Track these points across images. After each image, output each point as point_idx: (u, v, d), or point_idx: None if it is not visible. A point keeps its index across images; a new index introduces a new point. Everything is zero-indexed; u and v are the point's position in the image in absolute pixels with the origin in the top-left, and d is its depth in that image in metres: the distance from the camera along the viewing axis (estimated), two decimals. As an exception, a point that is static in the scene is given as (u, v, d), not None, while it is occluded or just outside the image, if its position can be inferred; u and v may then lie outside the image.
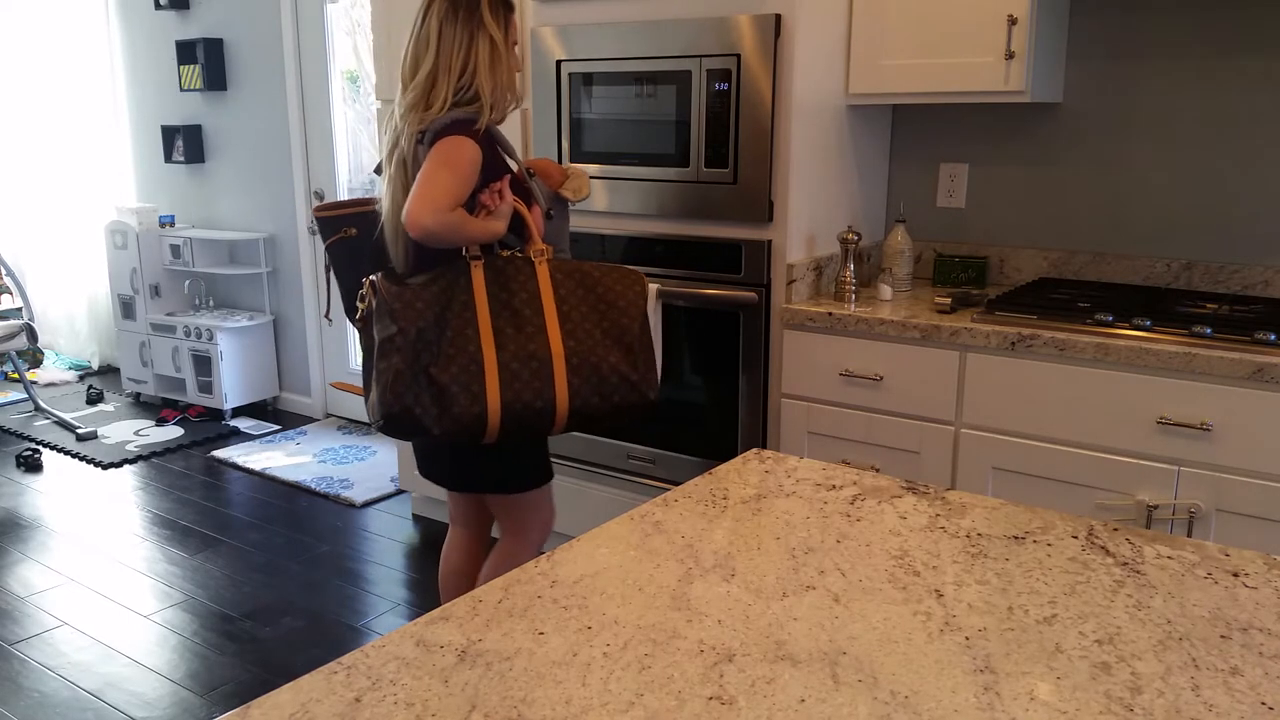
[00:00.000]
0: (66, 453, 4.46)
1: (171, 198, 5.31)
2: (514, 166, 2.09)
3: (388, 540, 3.55)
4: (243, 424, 4.84)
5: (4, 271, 5.18)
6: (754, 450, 1.54)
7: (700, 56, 2.61)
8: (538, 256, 1.98)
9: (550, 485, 2.27)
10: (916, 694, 0.90)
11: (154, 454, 4.43)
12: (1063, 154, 2.82)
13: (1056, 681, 0.92)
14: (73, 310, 5.89)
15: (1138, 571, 1.14)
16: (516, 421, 1.92)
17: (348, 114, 4.71)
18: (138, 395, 5.25)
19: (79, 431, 4.66)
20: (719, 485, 1.40)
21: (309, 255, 4.84)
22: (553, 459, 3.06)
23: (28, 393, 5.01)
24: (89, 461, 4.34)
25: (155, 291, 5.01)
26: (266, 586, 3.19)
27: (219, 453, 4.42)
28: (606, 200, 2.84)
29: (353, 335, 4.84)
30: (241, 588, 3.19)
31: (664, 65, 2.67)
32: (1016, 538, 1.23)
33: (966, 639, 0.99)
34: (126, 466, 4.30)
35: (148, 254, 4.97)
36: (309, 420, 4.92)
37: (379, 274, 1.96)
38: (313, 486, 4.01)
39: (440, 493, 3.55)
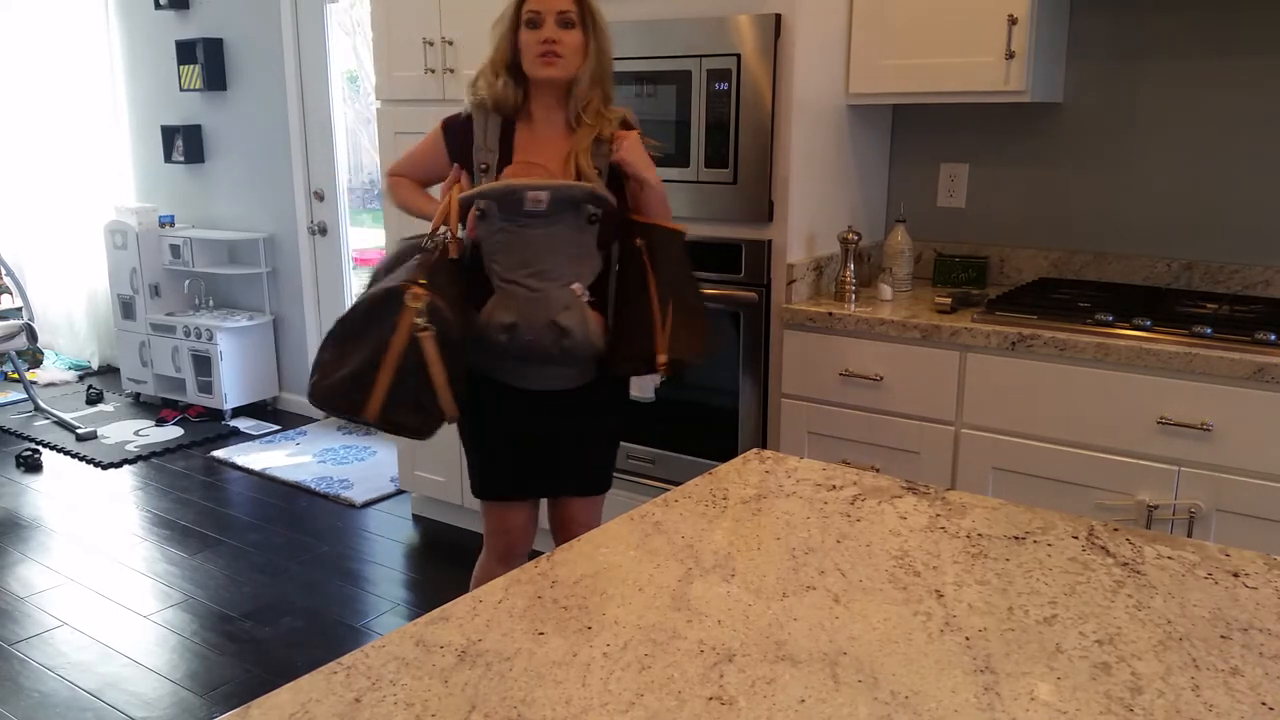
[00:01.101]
0: (66, 453, 4.46)
1: (171, 198, 5.31)
2: (487, 160, 2.06)
3: (388, 540, 3.55)
4: (243, 424, 4.84)
5: (4, 271, 5.17)
6: (754, 450, 1.54)
7: (700, 56, 2.61)
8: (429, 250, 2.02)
9: (498, 507, 2.25)
10: (917, 694, 0.89)
11: (154, 454, 4.43)
12: (1063, 154, 2.82)
13: (1057, 682, 0.92)
14: (72, 310, 5.89)
15: (1138, 572, 1.14)
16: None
17: (347, 114, 4.71)
18: (137, 395, 5.25)
19: (79, 431, 4.66)
20: (719, 485, 1.40)
21: (309, 255, 4.84)
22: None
23: (28, 393, 5.01)
24: (89, 461, 4.34)
25: (155, 291, 5.01)
26: (266, 586, 3.19)
27: (219, 453, 4.42)
28: (606, 200, 2.84)
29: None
30: (241, 588, 3.18)
31: (664, 65, 2.67)
32: (1016, 538, 1.23)
33: (967, 639, 0.99)
34: (126, 466, 4.30)
35: (147, 254, 4.97)
36: (309, 420, 4.92)
37: None
38: (313, 486, 4.01)
39: (440, 494, 3.55)
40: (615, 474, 2.99)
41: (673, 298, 2.04)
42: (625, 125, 2.07)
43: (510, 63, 2.04)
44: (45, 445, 4.55)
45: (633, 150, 2.03)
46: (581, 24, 2.01)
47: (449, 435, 3.44)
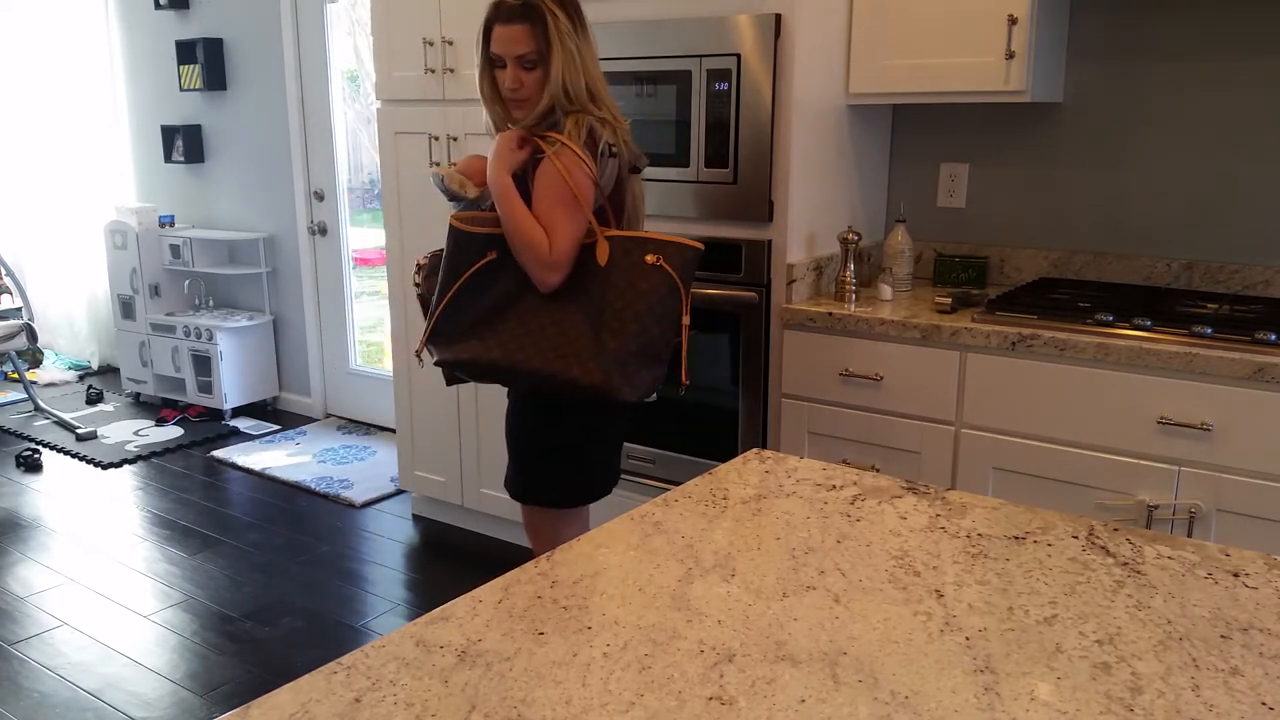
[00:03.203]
0: (66, 453, 4.46)
1: (171, 198, 5.31)
2: None
3: (388, 540, 3.55)
4: (242, 424, 4.84)
5: (4, 271, 5.17)
6: (754, 450, 1.54)
7: (700, 56, 2.61)
8: None
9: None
10: (917, 694, 0.89)
11: (154, 454, 4.43)
12: (1063, 154, 2.82)
13: (1057, 682, 0.92)
14: (72, 310, 5.89)
15: (1138, 571, 1.14)
16: None
17: (348, 114, 4.71)
18: (137, 395, 5.25)
19: (79, 431, 4.66)
20: (719, 485, 1.40)
21: (309, 255, 4.84)
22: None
23: (28, 393, 5.01)
24: (89, 461, 4.34)
25: (155, 291, 5.01)
26: (266, 586, 3.19)
27: (219, 453, 4.41)
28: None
29: (354, 336, 4.84)
30: (241, 588, 3.18)
31: (664, 65, 2.67)
32: (1017, 538, 1.23)
33: (967, 639, 0.99)
34: (126, 466, 4.30)
35: (147, 254, 4.97)
36: (309, 420, 4.92)
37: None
38: (313, 486, 4.01)
39: (440, 494, 3.55)
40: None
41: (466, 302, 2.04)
42: (554, 130, 2.02)
43: (493, 95, 2.09)
44: (45, 445, 4.55)
45: (494, 147, 2.03)
46: (540, 58, 2.00)
47: (448, 435, 3.46)
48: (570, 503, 2.19)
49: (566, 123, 2.00)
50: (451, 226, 2.00)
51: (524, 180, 2.01)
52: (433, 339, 2.06)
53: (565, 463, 2.16)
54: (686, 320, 2.03)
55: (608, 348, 1.96)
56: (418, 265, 2.19)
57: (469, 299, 2.02)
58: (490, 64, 2.05)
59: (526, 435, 2.16)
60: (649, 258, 1.98)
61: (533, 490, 2.19)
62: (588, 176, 1.98)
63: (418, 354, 2.11)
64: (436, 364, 2.10)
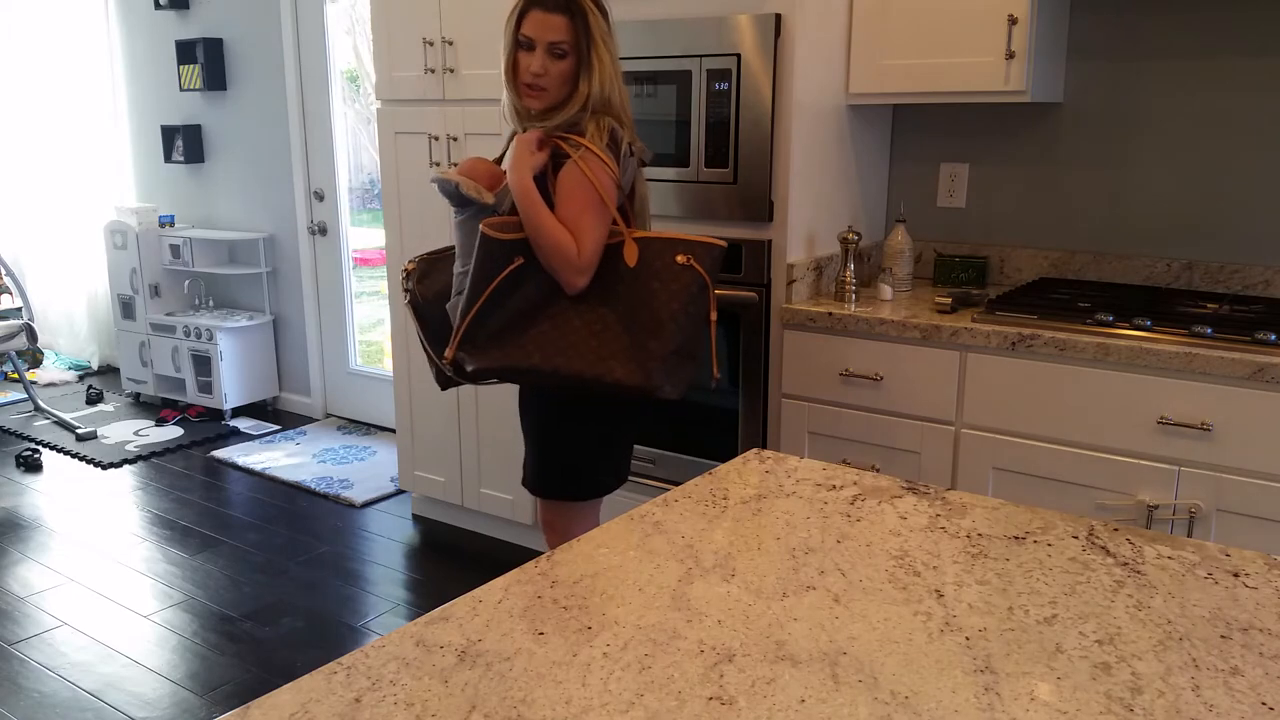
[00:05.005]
0: (66, 453, 4.46)
1: (171, 198, 5.31)
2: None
3: (388, 540, 3.55)
4: (242, 424, 4.84)
5: (4, 271, 5.17)
6: (754, 450, 1.54)
7: (700, 56, 2.61)
8: None
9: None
10: (917, 694, 0.89)
11: (154, 454, 4.43)
12: (1063, 154, 2.82)
13: (1057, 682, 0.92)
14: (72, 310, 5.89)
15: (1138, 571, 1.14)
16: None
17: (348, 114, 4.71)
18: (137, 395, 5.25)
19: (79, 431, 4.66)
20: (719, 485, 1.40)
21: (309, 255, 4.84)
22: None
23: (27, 393, 5.01)
24: (89, 461, 4.34)
25: (155, 291, 5.01)
26: (266, 586, 3.19)
27: (219, 453, 4.41)
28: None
29: (354, 336, 4.84)
30: (241, 588, 3.18)
31: (664, 65, 2.67)
32: (1017, 538, 1.23)
33: (967, 639, 0.99)
34: (126, 466, 4.30)
35: (147, 254, 4.97)
36: (309, 420, 4.92)
37: None
38: (312, 486, 4.01)
39: (440, 494, 3.55)
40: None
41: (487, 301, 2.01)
42: (575, 131, 2.02)
43: (514, 79, 2.06)
44: (45, 445, 4.55)
45: (514, 150, 2.03)
46: (575, 50, 1.99)
47: (448, 435, 3.45)
48: (585, 495, 2.22)
49: (589, 125, 2.00)
50: (483, 235, 1.98)
51: (542, 181, 2.02)
52: (462, 346, 2.06)
53: (584, 458, 2.18)
54: (714, 316, 2.06)
55: (648, 348, 1.98)
56: (406, 271, 2.18)
57: (497, 305, 2.02)
58: (516, 46, 2.03)
59: (548, 432, 2.18)
60: (680, 258, 2.00)
61: (551, 485, 2.21)
62: (611, 178, 1.99)
63: (448, 360, 2.07)
64: (471, 372, 2.06)
